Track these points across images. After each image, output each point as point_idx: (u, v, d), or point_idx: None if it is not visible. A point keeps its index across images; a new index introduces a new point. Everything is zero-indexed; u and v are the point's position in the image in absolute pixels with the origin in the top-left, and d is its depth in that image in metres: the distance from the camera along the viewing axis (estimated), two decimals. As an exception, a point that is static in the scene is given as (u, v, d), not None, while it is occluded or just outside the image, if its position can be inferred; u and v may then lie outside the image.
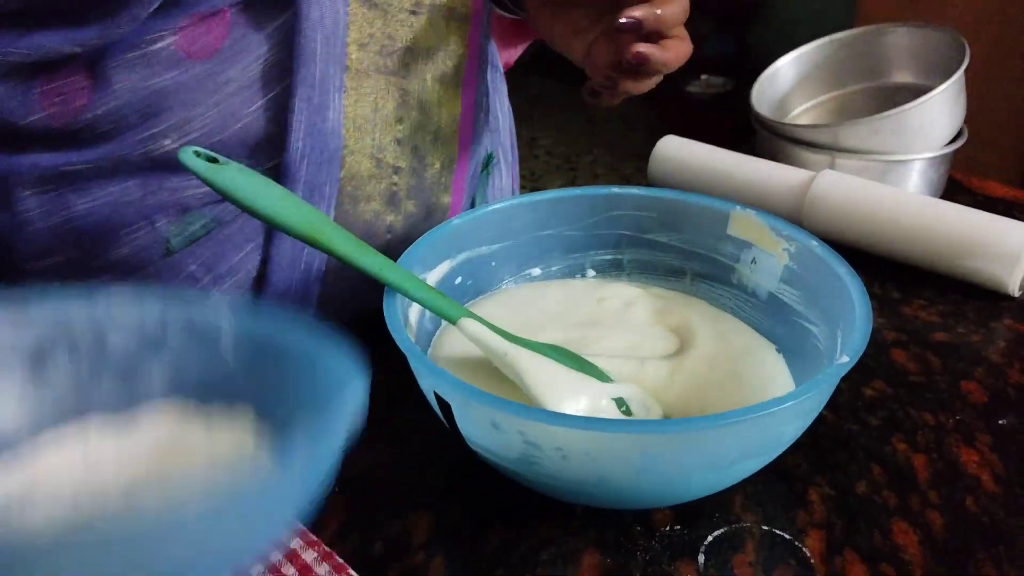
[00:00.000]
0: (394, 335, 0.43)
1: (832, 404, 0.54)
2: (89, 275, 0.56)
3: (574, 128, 3.33)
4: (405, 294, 0.47)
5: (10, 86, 0.50)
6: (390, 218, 0.61)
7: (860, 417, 0.53)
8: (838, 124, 0.74)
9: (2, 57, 0.49)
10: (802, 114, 0.87)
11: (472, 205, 0.71)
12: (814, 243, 0.50)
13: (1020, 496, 0.47)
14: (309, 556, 0.43)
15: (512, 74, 0.84)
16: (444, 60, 0.60)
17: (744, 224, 0.54)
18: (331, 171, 0.56)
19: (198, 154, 0.44)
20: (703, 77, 3.19)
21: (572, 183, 2.90)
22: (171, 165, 0.54)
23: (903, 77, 0.84)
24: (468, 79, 0.63)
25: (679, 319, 0.55)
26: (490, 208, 0.55)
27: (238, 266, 0.58)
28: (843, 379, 0.54)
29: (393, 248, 0.56)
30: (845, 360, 0.41)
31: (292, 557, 0.42)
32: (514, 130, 0.80)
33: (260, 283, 0.59)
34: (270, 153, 0.55)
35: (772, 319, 0.54)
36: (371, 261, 0.46)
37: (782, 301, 0.53)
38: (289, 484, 0.27)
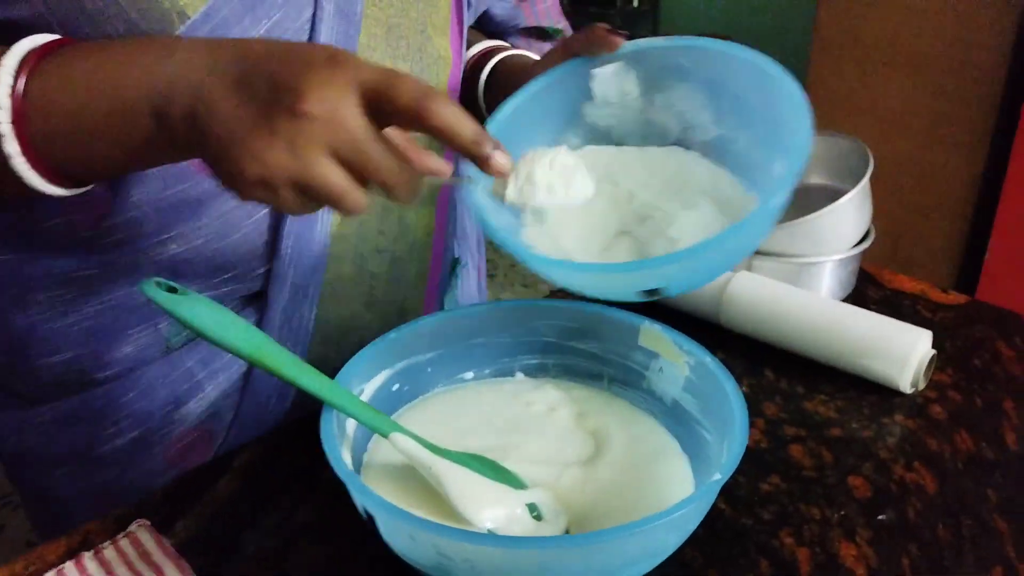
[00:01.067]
0: (328, 454, 0.48)
1: (731, 498, 0.60)
2: (97, 369, 0.62)
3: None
4: (342, 411, 0.52)
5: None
6: (367, 318, 0.67)
7: (754, 511, 0.59)
8: (754, 228, 0.81)
9: None
10: (728, 212, 0.94)
11: (441, 307, 0.78)
12: (708, 359, 0.57)
13: (888, 588, 0.53)
14: (249, 650, 0.48)
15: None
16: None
17: (652, 337, 0.60)
18: (316, 275, 0.63)
19: (159, 284, 0.49)
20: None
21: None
22: (174, 271, 0.60)
23: (815, 179, 0.91)
24: (442, 195, 0.70)
25: (597, 423, 0.61)
26: (422, 322, 0.61)
27: (231, 361, 0.64)
28: (742, 473, 0.61)
29: (366, 343, 0.60)
30: (717, 478, 0.47)
31: (233, 652, 0.47)
32: (481, 233, 0.87)
33: (248, 376, 0.65)
34: (264, 258, 0.62)
35: (676, 424, 0.60)
36: (311, 381, 0.52)
37: (684, 408, 0.59)
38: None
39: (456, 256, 0.82)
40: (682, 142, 0.60)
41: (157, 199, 0.58)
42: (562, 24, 0.88)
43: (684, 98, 0.59)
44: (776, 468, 0.63)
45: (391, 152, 0.43)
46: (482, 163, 0.45)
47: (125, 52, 0.46)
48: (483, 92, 0.74)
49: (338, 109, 0.41)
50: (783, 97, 0.51)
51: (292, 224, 0.61)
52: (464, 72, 0.76)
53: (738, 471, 0.61)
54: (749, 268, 0.81)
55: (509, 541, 0.45)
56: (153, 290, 0.49)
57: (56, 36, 0.48)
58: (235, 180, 0.42)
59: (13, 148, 0.45)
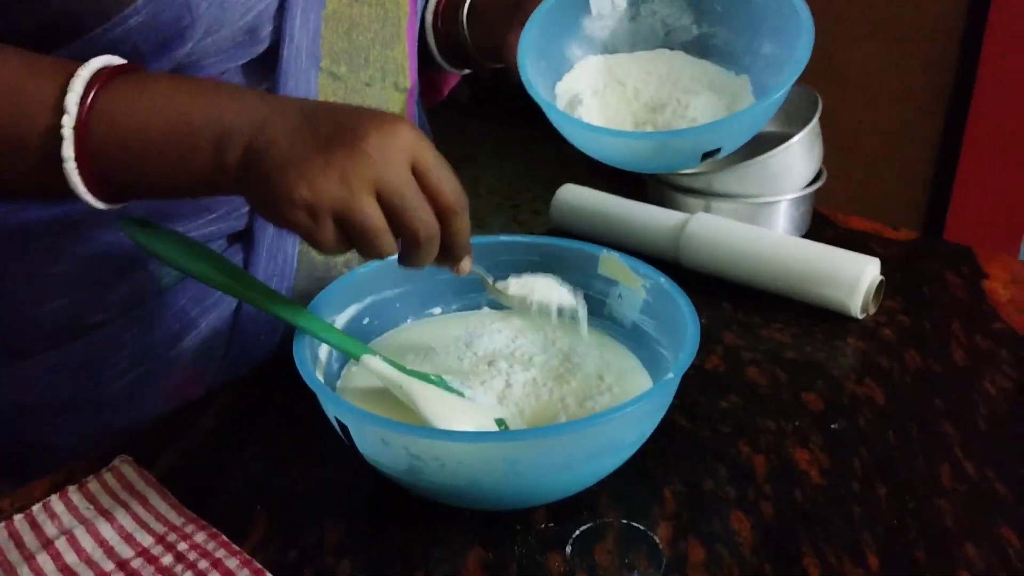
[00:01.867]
0: (300, 371, 0.50)
1: (690, 415, 0.63)
2: (93, 312, 0.64)
3: (514, 167, 3.44)
4: (314, 336, 0.55)
5: None
6: (348, 256, 0.70)
7: (713, 425, 0.62)
8: (710, 171, 0.84)
9: None
10: (687, 162, 0.98)
11: None
12: (662, 279, 0.59)
13: (840, 487, 0.56)
14: (232, 563, 0.50)
15: (455, 118, 0.95)
16: None
17: (610, 265, 0.63)
18: None
19: (134, 219, 0.51)
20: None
21: (513, 220, 3.00)
22: (160, 212, 0.61)
23: (770, 127, 0.94)
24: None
25: (563, 345, 0.64)
26: (391, 259, 0.63)
27: (222, 297, 0.66)
28: (702, 393, 0.64)
29: None
30: (670, 376, 0.50)
31: (216, 563, 0.49)
32: None
33: (238, 312, 0.68)
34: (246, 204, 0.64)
35: (637, 346, 0.63)
36: (284, 309, 0.54)
37: (643, 330, 0.62)
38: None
39: None
40: (667, 44, 0.71)
41: None
42: None
43: (666, 5, 0.70)
44: (733, 388, 0.66)
45: (428, 209, 0.48)
46: (454, 268, 0.54)
47: (196, 86, 0.51)
48: (466, 18, 0.77)
49: (393, 156, 0.46)
50: None
51: None
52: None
53: (697, 391, 0.65)
54: (707, 209, 0.84)
55: (475, 436, 0.47)
56: (128, 226, 0.51)
57: (126, 61, 0.51)
58: (281, 202, 0.46)
59: (69, 153, 0.48)
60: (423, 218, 0.47)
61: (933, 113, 1.84)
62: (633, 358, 0.62)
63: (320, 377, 0.54)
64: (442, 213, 0.48)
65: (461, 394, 0.57)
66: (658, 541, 0.52)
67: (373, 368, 0.55)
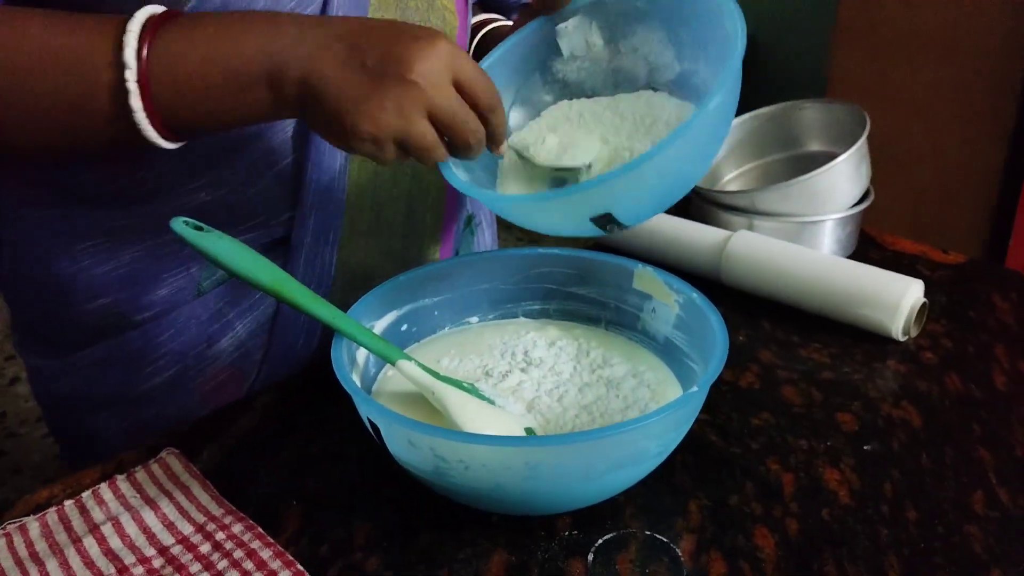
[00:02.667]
0: (337, 373, 0.52)
1: (721, 431, 0.63)
2: (135, 312, 0.67)
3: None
4: (352, 339, 0.57)
5: None
6: (386, 267, 0.72)
7: (744, 442, 0.62)
8: (754, 190, 0.84)
9: None
10: (733, 180, 0.98)
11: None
12: (695, 295, 0.60)
13: (868, 508, 0.56)
14: (266, 554, 0.52)
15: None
16: None
17: (645, 279, 0.64)
18: (335, 221, 0.68)
19: (187, 223, 0.54)
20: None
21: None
22: (204, 218, 0.65)
23: (816, 146, 0.94)
24: None
25: (597, 356, 0.65)
26: (430, 267, 0.65)
27: (258, 303, 0.69)
28: (735, 410, 0.64)
29: None
30: (694, 389, 0.50)
31: (251, 553, 0.52)
32: None
33: (276, 317, 0.70)
34: (287, 206, 0.67)
35: (669, 359, 0.63)
36: (325, 312, 0.56)
37: (675, 344, 0.63)
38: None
39: (471, 213, 0.86)
40: (651, 85, 0.65)
41: (187, 149, 0.63)
42: None
43: (646, 40, 0.63)
44: (767, 406, 0.66)
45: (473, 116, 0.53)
46: (494, 150, 0.58)
47: (239, 24, 0.53)
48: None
49: (438, 78, 0.51)
50: (724, 15, 0.55)
51: (312, 173, 0.66)
52: None
53: (730, 408, 0.65)
54: (750, 227, 0.84)
55: (497, 440, 0.48)
56: (181, 227, 0.53)
57: (168, 8, 0.54)
58: (347, 136, 0.51)
59: (137, 104, 0.51)
60: (471, 127, 0.53)
61: (997, 136, 1.79)
62: (666, 370, 0.63)
63: (357, 380, 0.56)
64: (482, 114, 0.54)
65: (492, 402, 0.58)
66: (680, 553, 0.52)
67: (407, 373, 0.57)
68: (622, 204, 0.53)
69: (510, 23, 0.81)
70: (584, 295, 0.68)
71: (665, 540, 0.53)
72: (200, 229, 0.54)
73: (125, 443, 0.72)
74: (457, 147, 0.55)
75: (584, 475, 0.49)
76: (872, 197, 0.88)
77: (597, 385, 0.61)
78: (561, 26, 0.64)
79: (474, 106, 0.53)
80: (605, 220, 0.54)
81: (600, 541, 0.53)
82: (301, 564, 0.51)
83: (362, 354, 0.60)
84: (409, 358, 0.58)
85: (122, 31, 0.50)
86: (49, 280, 0.67)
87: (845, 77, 2.07)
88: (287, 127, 0.65)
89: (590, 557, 0.52)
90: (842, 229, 0.86)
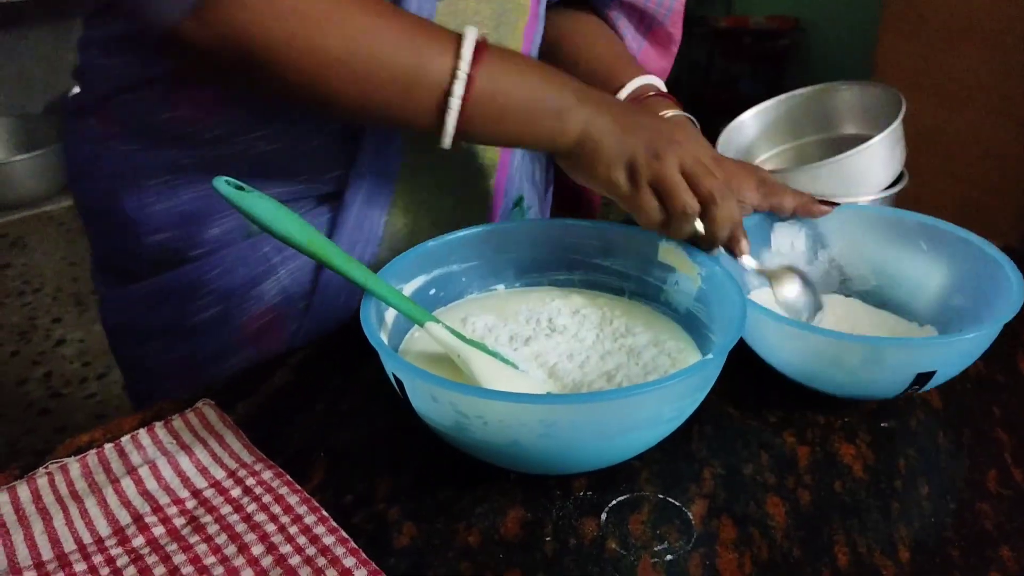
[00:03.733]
0: (365, 329, 0.54)
1: (740, 404, 0.64)
2: (189, 248, 0.71)
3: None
4: (383, 299, 0.59)
5: (157, 90, 0.66)
6: (433, 234, 0.73)
7: (762, 415, 0.63)
8: (786, 169, 0.84)
9: (152, 73, 0.65)
10: (765, 162, 0.98)
11: None
12: (718, 268, 0.61)
13: (881, 482, 0.57)
14: (293, 500, 0.54)
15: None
16: None
17: (669, 252, 0.65)
18: (388, 184, 0.71)
19: (228, 182, 0.56)
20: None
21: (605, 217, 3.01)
22: (264, 166, 0.69)
23: (852, 128, 0.94)
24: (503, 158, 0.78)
25: (620, 323, 0.66)
26: (459, 234, 0.67)
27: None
28: (754, 384, 0.65)
29: None
30: (710, 356, 0.51)
31: (279, 499, 0.54)
32: (544, 182, 0.92)
33: (320, 268, 0.73)
34: (340, 162, 0.70)
35: (690, 330, 0.65)
36: (359, 273, 0.58)
37: (696, 316, 0.64)
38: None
39: (521, 195, 0.87)
40: (841, 291, 0.73)
41: (254, 100, 0.67)
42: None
43: (844, 255, 0.72)
44: (787, 381, 0.67)
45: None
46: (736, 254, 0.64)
47: (541, 66, 0.64)
48: None
49: (693, 148, 0.62)
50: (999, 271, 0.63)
51: (371, 136, 0.69)
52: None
53: (750, 382, 0.66)
54: (779, 207, 0.85)
55: (515, 397, 0.50)
56: (223, 186, 0.55)
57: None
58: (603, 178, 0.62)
59: (459, 91, 0.59)
60: (711, 181, 0.61)
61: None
62: (687, 339, 0.64)
63: (384, 338, 0.58)
64: (704, 201, 0.61)
65: (515, 366, 0.60)
66: (691, 517, 0.54)
67: (435, 334, 0.58)
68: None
69: (651, 89, 0.80)
70: (609, 266, 0.69)
71: (677, 504, 0.55)
72: (241, 188, 0.56)
73: (172, 374, 0.76)
74: (673, 214, 0.61)
75: (599, 435, 0.50)
76: (906, 180, 0.87)
77: (618, 353, 0.63)
78: (779, 224, 0.72)
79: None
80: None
81: (614, 502, 0.55)
82: (326, 511, 0.53)
83: (391, 315, 0.62)
84: (436, 320, 0.59)
85: (456, 54, 0.58)
86: (118, 213, 0.71)
87: (890, 62, 2.04)
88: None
89: (603, 517, 0.54)
90: (873, 211, 0.86)
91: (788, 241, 0.71)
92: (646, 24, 0.89)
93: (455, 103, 0.58)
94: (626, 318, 0.66)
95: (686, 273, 0.64)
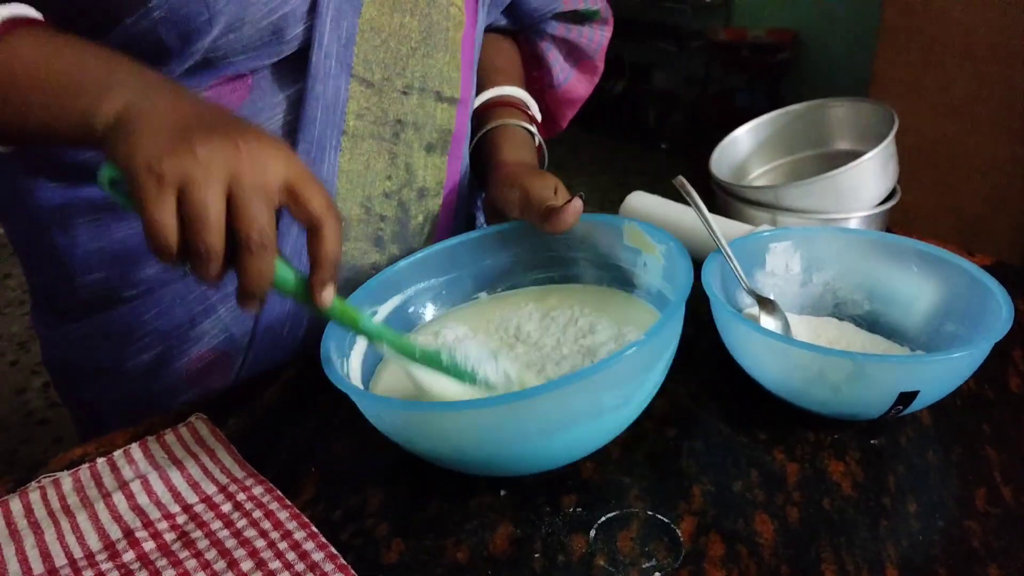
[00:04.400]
0: (322, 357, 0.56)
1: (730, 420, 0.64)
2: (124, 287, 0.70)
3: (607, 181, 3.45)
4: (347, 328, 0.57)
5: None
6: (375, 257, 0.73)
7: (752, 432, 0.63)
8: (779, 186, 0.85)
9: None
10: (759, 176, 0.98)
11: None
12: (673, 244, 0.62)
13: (871, 499, 0.57)
14: (283, 515, 0.54)
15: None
16: (431, 132, 0.73)
17: (633, 234, 0.66)
18: None
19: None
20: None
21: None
22: None
23: (846, 144, 0.94)
24: (455, 150, 0.76)
25: (587, 323, 0.67)
26: (430, 250, 0.69)
27: None
28: (743, 401, 0.65)
29: None
30: (635, 343, 0.51)
31: (269, 514, 0.54)
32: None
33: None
34: None
35: (661, 311, 0.66)
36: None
37: (666, 296, 0.64)
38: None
39: (477, 224, 0.88)
40: (835, 315, 0.72)
41: None
42: (599, 5, 0.92)
43: (839, 279, 0.71)
44: (776, 401, 0.67)
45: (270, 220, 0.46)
46: (314, 288, 0.50)
47: (99, 46, 0.53)
48: (470, 152, 0.81)
49: (264, 161, 0.46)
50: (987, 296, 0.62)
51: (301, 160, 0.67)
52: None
53: (740, 398, 0.66)
54: (772, 223, 0.85)
55: (442, 406, 0.52)
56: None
57: (22, 13, 0.55)
58: (134, 161, 0.45)
59: None
60: (259, 222, 0.45)
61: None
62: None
63: (357, 362, 0.60)
64: (312, 223, 0.48)
65: (471, 376, 0.58)
66: (680, 534, 0.54)
67: (386, 352, 0.58)
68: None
69: (513, 122, 0.81)
70: (583, 257, 0.70)
71: (666, 520, 0.55)
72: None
73: (116, 414, 0.75)
74: (239, 246, 0.46)
75: (540, 433, 0.51)
76: (898, 196, 0.88)
77: (575, 356, 0.63)
78: (775, 245, 0.71)
79: (305, 211, 0.48)
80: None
81: (603, 519, 0.55)
82: (316, 527, 0.54)
83: (358, 348, 0.63)
84: (384, 338, 0.57)
85: None
86: (50, 252, 0.70)
87: (887, 76, 2.05)
88: (276, 117, 0.66)
89: (592, 533, 0.54)
90: (866, 227, 0.86)
91: (783, 263, 0.71)
92: (575, 57, 0.94)
93: None
94: (595, 314, 0.67)
95: (650, 254, 0.65)
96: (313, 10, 0.64)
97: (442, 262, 0.69)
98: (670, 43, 3.56)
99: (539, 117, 0.86)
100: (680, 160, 3.55)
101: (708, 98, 3.46)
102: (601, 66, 0.96)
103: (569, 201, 0.64)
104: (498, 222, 0.72)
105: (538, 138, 0.83)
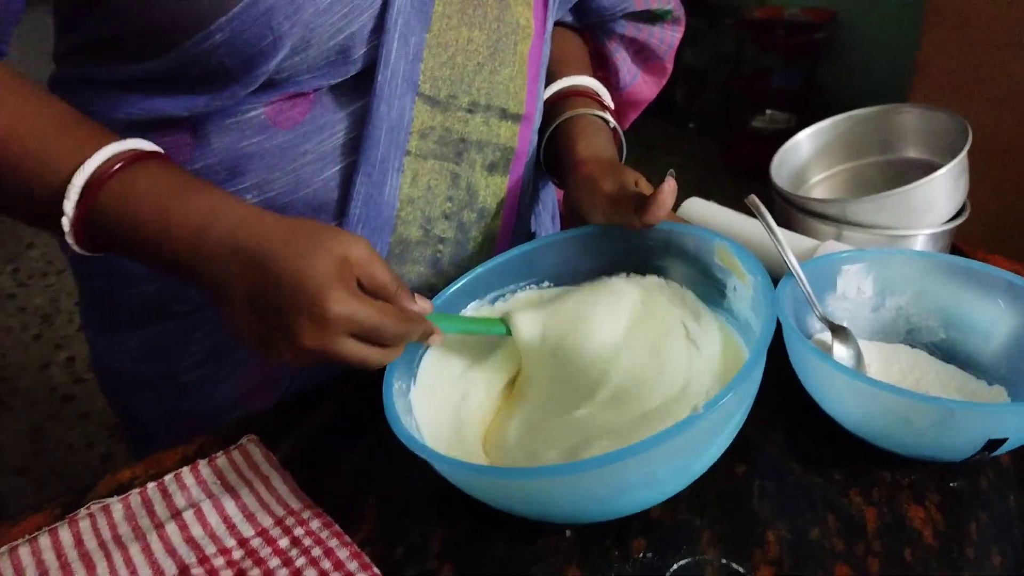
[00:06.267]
0: (392, 426, 0.53)
1: (802, 457, 0.62)
2: (177, 303, 0.68)
3: (633, 160, 3.40)
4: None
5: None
6: (432, 280, 0.71)
7: (825, 471, 0.60)
8: (846, 200, 0.81)
9: (124, 115, 0.61)
10: (820, 183, 0.95)
11: None
12: (761, 278, 0.58)
13: (954, 551, 0.54)
14: (343, 554, 0.52)
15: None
16: (494, 152, 0.70)
17: (724, 255, 0.63)
18: (383, 236, 0.66)
19: None
20: (768, 112, 3.24)
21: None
22: None
23: (913, 153, 0.91)
24: (515, 168, 0.73)
25: (668, 313, 0.64)
26: (513, 253, 0.67)
27: None
28: (816, 437, 0.63)
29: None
30: (698, 412, 0.49)
31: (328, 552, 0.52)
32: (557, 213, 0.90)
33: None
34: (333, 215, 0.65)
35: (748, 341, 0.62)
36: None
37: (752, 329, 0.61)
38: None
39: (533, 230, 0.84)
40: (907, 342, 0.69)
41: (235, 149, 0.62)
42: (672, 4, 0.88)
43: (912, 304, 0.68)
44: (848, 436, 0.64)
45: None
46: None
47: (175, 212, 0.54)
48: (544, 147, 0.78)
49: (331, 324, 0.50)
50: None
51: (362, 185, 0.65)
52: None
53: (811, 434, 0.63)
54: (838, 237, 0.82)
55: (493, 472, 0.53)
56: None
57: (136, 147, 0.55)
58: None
59: (70, 239, 0.55)
60: (389, 329, 0.53)
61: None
62: (734, 336, 0.62)
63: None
64: (387, 299, 0.54)
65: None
66: (757, 586, 0.51)
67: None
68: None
69: (587, 111, 0.77)
70: (669, 267, 0.67)
71: (742, 571, 0.52)
72: None
73: (164, 428, 0.73)
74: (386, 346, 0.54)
75: (592, 498, 0.50)
76: (968, 211, 0.84)
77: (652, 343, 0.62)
78: (847, 267, 0.67)
79: (375, 294, 0.54)
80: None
81: (675, 567, 0.53)
82: (377, 567, 0.52)
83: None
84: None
85: (72, 172, 0.53)
86: (105, 260, 0.68)
87: (932, 66, 1.99)
88: (337, 135, 0.64)
89: (665, 582, 0.52)
90: (934, 244, 0.83)
91: (855, 286, 0.68)
92: (643, 57, 0.90)
93: (66, 227, 0.54)
94: (674, 306, 0.65)
95: (740, 280, 0.61)
96: (380, 28, 0.61)
97: (520, 266, 0.67)
98: (701, 19, 3.48)
99: (612, 106, 0.82)
100: (707, 140, 3.50)
101: (739, 78, 3.39)
102: (670, 67, 0.91)
103: (662, 184, 0.61)
104: (576, 224, 0.68)
105: (613, 124, 0.78)
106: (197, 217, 0.53)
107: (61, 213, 0.53)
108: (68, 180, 0.53)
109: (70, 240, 0.55)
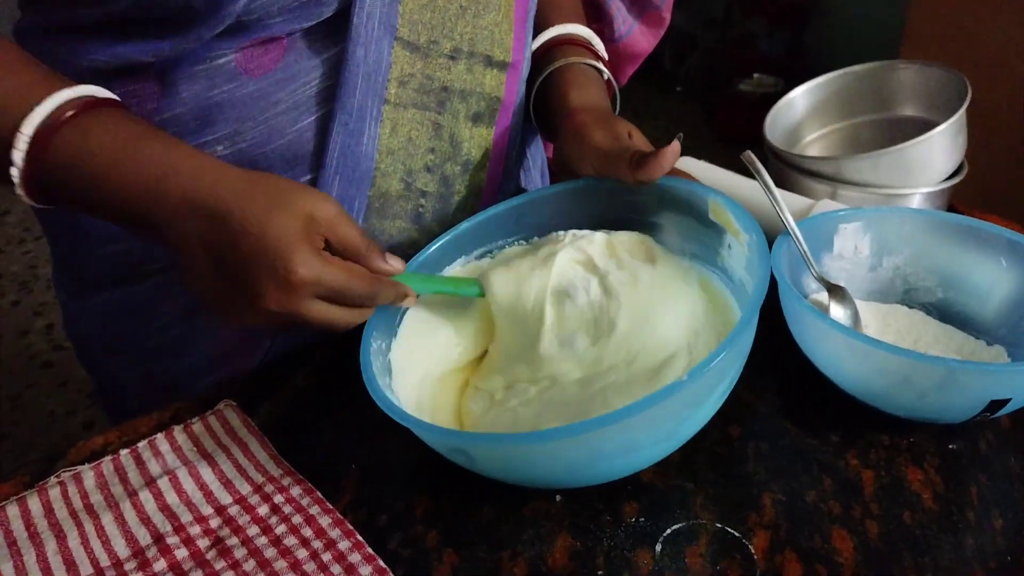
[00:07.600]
0: (368, 387, 0.51)
1: (796, 419, 0.60)
2: (147, 262, 0.66)
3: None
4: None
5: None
6: (414, 236, 0.68)
7: (821, 434, 0.59)
8: (841, 157, 0.79)
9: (88, 62, 0.58)
10: (814, 142, 0.92)
11: None
12: (756, 236, 0.56)
13: (954, 514, 0.53)
14: (324, 521, 0.50)
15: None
16: (478, 101, 0.67)
17: (718, 211, 0.60)
18: (361, 189, 0.63)
19: None
20: (755, 76, 3.19)
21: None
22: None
23: (909, 111, 0.88)
24: (502, 119, 0.70)
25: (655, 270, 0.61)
26: (499, 207, 0.64)
27: None
28: (811, 398, 0.61)
29: None
30: (683, 379, 0.46)
31: (309, 520, 0.50)
32: (547, 170, 0.87)
33: None
34: (309, 167, 0.63)
35: (741, 302, 0.60)
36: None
37: (746, 290, 0.59)
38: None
39: (523, 186, 0.81)
40: (904, 302, 0.67)
41: (205, 97, 0.59)
42: None
43: (910, 264, 0.66)
44: (845, 396, 0.63)
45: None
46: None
47: (131, 161, 0.50)
48: (533, 98, 0.74)
49: (297, 289, 0.48)
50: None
51: (338, 135, 0.62)
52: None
53: (806, 396, 0.62)
54: (833, 196, 0.80)
55: (487, 439, 0.50)
56: None
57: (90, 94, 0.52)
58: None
59: (21, 191, 0.52)
60: (357, 291, 0.51)
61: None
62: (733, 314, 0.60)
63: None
64: (355, 259, 0.52)
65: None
66: (753, 551, 0.50)
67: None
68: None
69: (578, 59, 0.73)
70: (663, 224, 0.64)
71: (737, 535, 0.51)
72: None
73: (139, 391, 0.71)
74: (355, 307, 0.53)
75: (572, 465, 0.49)
76: (966, 171, 0.82)
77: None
78: (844, 226, 0.66)
79: (344, 255, 0.52)
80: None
81: (668, 531, 0.51)
82: (360, 534, 0.50)
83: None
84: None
85: (21, 120, 0.49)
86: (72, 221, 0.66)
87: (924, 21, 1.96)
88: (312, 83, 0.61)
89: (658, 548, 0.50)
90: (931, 204, 0.81)
91: (852, 244, 0.66)
92: (640, 6, 0.87)
93: (15, 174, 0.51)
94: (664, 267, 0.61)
95: (735, 237, 0.59)
96: None
97: (509, 220, 0.64)
98: (689, -18, 3.43)
99: (606, 56, 0.78)
100: (694, 105, 3.46)
101: (727, 42, 3.35)
102: (668, 17, 0.89)
103: (667, 146, 0.58)
104: (567, 179, 0.65)
105: (607, 75, 0.75)
106: (154, 169, 0.49)
107: (9, 163, 0.50)
108: (17, 128, 0.49)
109: (20, 192, 0.51)
